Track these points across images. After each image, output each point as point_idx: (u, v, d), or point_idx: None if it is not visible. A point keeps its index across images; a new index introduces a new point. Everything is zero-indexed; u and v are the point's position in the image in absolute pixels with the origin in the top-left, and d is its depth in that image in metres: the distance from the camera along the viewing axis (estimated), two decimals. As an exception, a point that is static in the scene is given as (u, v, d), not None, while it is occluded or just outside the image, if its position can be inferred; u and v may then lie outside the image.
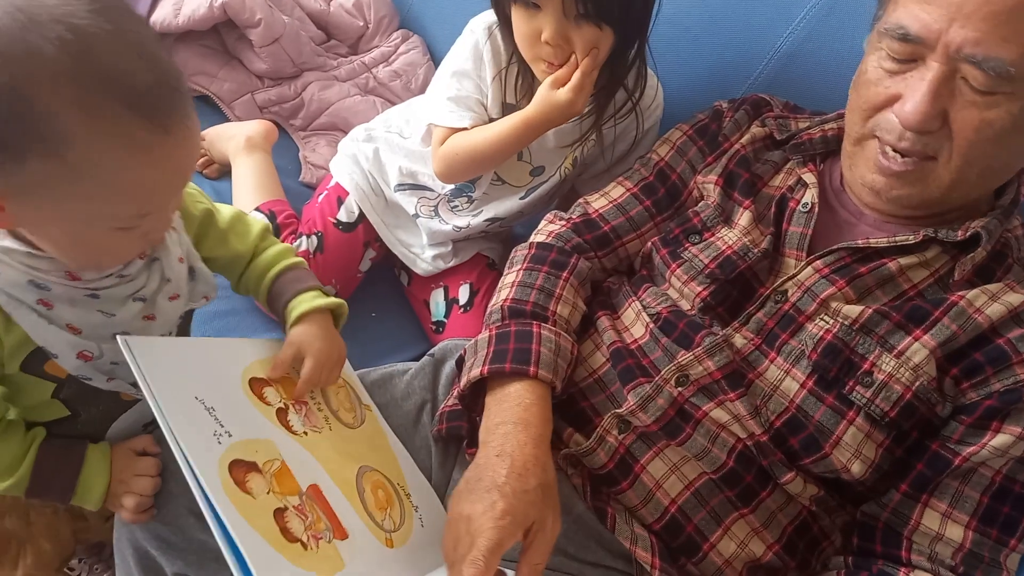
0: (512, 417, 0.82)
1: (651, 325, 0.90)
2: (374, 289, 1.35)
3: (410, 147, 1.24)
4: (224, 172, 1.46)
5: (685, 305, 0.91)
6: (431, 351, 1.06)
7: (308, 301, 0.89)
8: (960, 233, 0.84)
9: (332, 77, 1.66)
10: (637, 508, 0.84)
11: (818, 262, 0.87)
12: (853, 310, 0.83)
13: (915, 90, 0.78)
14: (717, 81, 1.24)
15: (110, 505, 0.82)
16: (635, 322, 0.93)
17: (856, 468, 0.81)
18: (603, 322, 0.94)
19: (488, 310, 0.96)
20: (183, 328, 0.88)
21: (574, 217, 1.04)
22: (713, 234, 0.94)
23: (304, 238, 1.27)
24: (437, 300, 1.31)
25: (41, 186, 0.62)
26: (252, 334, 1.16)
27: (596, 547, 0.84)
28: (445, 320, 1.29)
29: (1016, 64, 0.74)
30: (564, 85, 1.01)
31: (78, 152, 0.60)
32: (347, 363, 0.94)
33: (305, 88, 1.62)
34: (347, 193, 1.29)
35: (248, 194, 1.35)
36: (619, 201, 1.04)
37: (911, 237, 0.85)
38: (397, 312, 1.36)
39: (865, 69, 0.85)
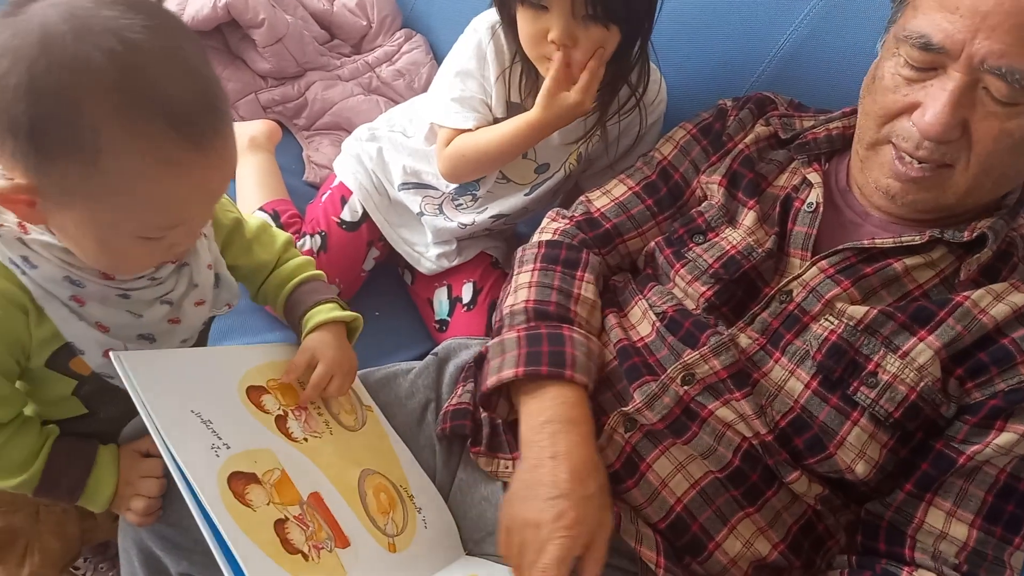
0: (559, 415, 0.83)
1: (657, 324, 0.90)
2: (377, 288, 1.35)
3: (414, 146, 1.24)
4: (228, 172, 1.46)
5: (690, 304, 0.91)
6: (435, 350, 1.06)
7: (326, 312, 0.90)
8: (967, 234, 0.84)
9: (335, 76, 1.66)
10: (643, 507, 0.84)
11: (823, 262, 0.87)
12: (858, 311, 0.83)
13: (936, 100, 0.77)
14: (721, 79, 1.24)
15: (116, 507, 0.82)
16: (641, 320, 0.93)
17: (860, 468, 0.80)
18: (610, 320, 0.94)
19: (506, 310, 0.95)
20: (203, 336, 0.89)
21: (576, 215, 1.04)
22: (717, 234, 0.94)
23: (308, 237, 1.27)
24: (440, 299, 1.31)
25: (71, 189, 0.63)
26: (254, 334, 1.16)
27: None
28: (448, 319, 1.29)
29: None
30: (566, 85, 1.01)
31: (112, 161, 0.61)
32: None
33: (308, 88, 1.62)
34: (351, 192, 1.29)
35: (252, 194, 1.36)
36: (620, 199, 1.04)
37: (917, 237, 0.85)
38: (400, 311, 1.36)
39: (882, 75, 0.84)
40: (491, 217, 1.24)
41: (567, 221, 1.04)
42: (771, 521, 0.83)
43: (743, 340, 0.86)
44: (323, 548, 0.73)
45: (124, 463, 0.81)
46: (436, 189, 1.24)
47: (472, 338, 1.11)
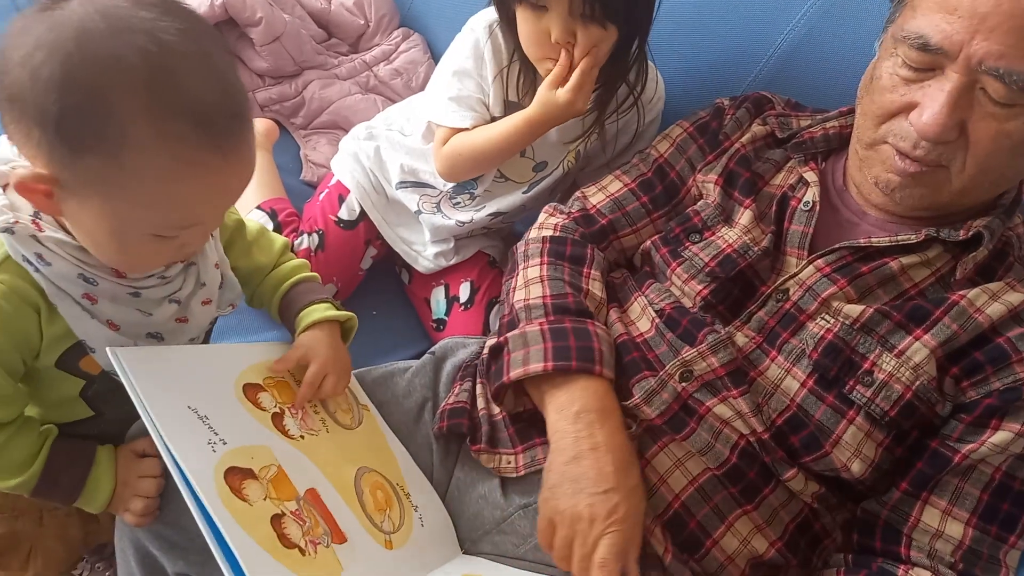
0: (591, 405, 0.83)
1: (656, 320, 0.91)
2: (375, 287, 1.35)
3: (411, 145, 1.24)
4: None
5: (687, 303, 0.92)
6: (432, 349, 1.06)
7: (320, 311, 0.91)
8: (962, 232, 0.84)
9: (333, 75, 1.66)
10: None
11: (819, 261, 0.87)
12: (854, 309, 0.83)
13: (933, 100, 0.78)
14: (718, 78, 1.24)
15: (113, 508, 0.82)
16: (641, 316, 0.93)
17: (856, 467, 0.81)
18: (611, 315, 0.95)
19: (519, 304, 0.95)
20: (207, 336, 0.90)
21: (573, 211, 1.05)
22: (713, 233, 0.94)
23: (305, 236, 1.27)
24: (438, 298, 1.31)
25: (92, 181, 0.64)
26: (250, 331, 1.16)
27: None
28: (446, 318, 1.30)
29: None
30: (563, 84, 1.01)
31: (135, 157, 0.62)
32: None
33: (306, 87, 1.62)
34: (348, 191, 1.29)
35: (249, 192, 1.35)
36: (616, 195, 1.04)
37: (913, 236, 0.85)
38: (398, 310, 1.36)
39: (880, 75, 0.84)
40: (489, 215, 1.24)
41: (565, 216, 1.04)
42: (768, 519, 0.84)
43: (740, 339, 0.86)
44: (320, 543, 0.73)
45: (121, 463, 0.81)
46: (434, 188, 1.24)
47: (469, 337, 1.11)
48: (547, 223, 1.05)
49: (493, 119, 1.11)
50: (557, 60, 1.02)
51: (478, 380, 0.97)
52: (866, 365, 0.81)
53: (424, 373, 1.01)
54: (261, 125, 1.45)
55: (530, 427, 0.91)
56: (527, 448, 0.89)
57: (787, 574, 0.86)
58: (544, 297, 0.93)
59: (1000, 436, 0.78)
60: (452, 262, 1.29)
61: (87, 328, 0.74)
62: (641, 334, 0.91)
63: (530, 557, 0.86)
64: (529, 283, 0.96)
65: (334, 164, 1.35)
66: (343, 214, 1.28)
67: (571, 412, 0.83)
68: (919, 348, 0.80)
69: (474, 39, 1.11)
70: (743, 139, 1.00)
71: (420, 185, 1.25)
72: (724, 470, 0.83)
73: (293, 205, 1.36)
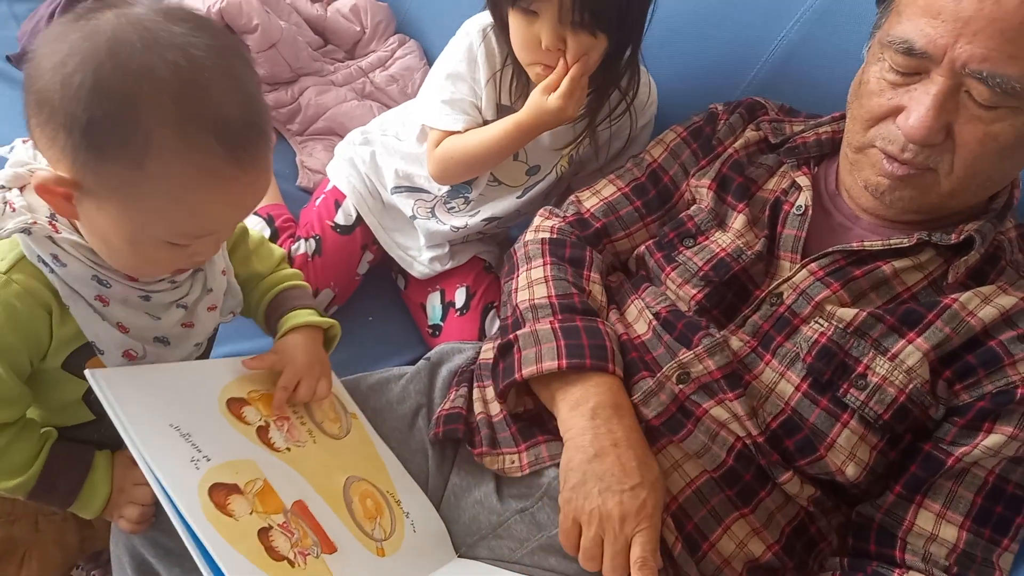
0: (606, 401, 0.84)
1: (654, 322, 0.91)
2: (371, 292, 1.35)
3: (406, 149, 1.24)
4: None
5: (683, 307, 0.92)
6: (427, 355, 1.06)
7: (302, 316, 0.91)
8: (954, 236, 0.85)
9: (329, 82, 1.66)
10: None
11: (813, 265, 0.88)
12: (847, 313, 0.83)
13: (919, 103, 0.78)
14: (712, 83, 1.25)
15: (108, 514, 0.82)
16: (638, 319, 0.94)
17: (850, 470, 0.81)
18: (610, 316, 0.95)
19: (524, 304, 0.95)
20: (210, 342, 0.91)
21: (568, 215, 1.05)
22: (707, 237, 0.94)
23: (302, 241, 1.27)
24: (433, 303, 1.31)
25: (114, 186, 0.66)
26: (249, 339, 1.16)
27: None
28: (441, 323, 1.30)
29: (1022, 80, 0.74)
30: (555, 90, 1.02)
31: (158, 165, 0.64)
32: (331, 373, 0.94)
33: (302, 93, 1.62)
34: (344, 196, 1.29)
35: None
36: (610, 200, 1.05)
37: (905, 240, 0.86)
38: (394, 316, 1.36)
39: (867, 79, 0.85)
40: (483, 220, 1.24)
41: (560, 220, 1.05)
42: (765, 522, 0.84)
43: (734, 342, 0.87)
44: (309, 554, 0.73)
45: (118, 470, 0.81)
46: (428, 192, 1.25)
47: (465, 343, 1.11)
48: (543, 226, 1.05)
49: (486, 122, 1.12)
50: (548, 65, 1.03)
51: (475, 385, 0.97)
52: (860, 368, 0.81)
53: (419, 379, 1.01)
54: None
55: (531, 426, 0.91)
56: (530, 446, 0.89)
57: (783, 577, 0.86)
58: (550, 297, 0.94)
59: (993, 439, 0.78)
60: (447, 267, 1.29)
61: (97, 330, 0.75)
62: (639, 336, 0.92)
63: (527, 561, 0.86)
64: (533, 283, 0.97)
65: (330, 170, 1.35)
66: (339, 219, 1.29)
67: (587, 409, 0.83)
68: (912, 351, 0.80)
69: (468, 43, 1.11)
70: (736, 144, 1.01)
71: (415, 190, 1.26)
72: (721, 472, 0.83)
73: (289, 211, 1.36)
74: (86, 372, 0.72)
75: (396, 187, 1.27)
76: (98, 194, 0.67)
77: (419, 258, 1.30)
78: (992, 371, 0.80)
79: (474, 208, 1.24)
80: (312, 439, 0.86)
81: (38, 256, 0.71)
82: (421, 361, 1.05)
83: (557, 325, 0.89)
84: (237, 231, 0.91)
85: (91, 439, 0.82)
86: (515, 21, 1.02)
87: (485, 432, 0.91)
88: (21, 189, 0.72)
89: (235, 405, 0.81)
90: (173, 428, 0.73)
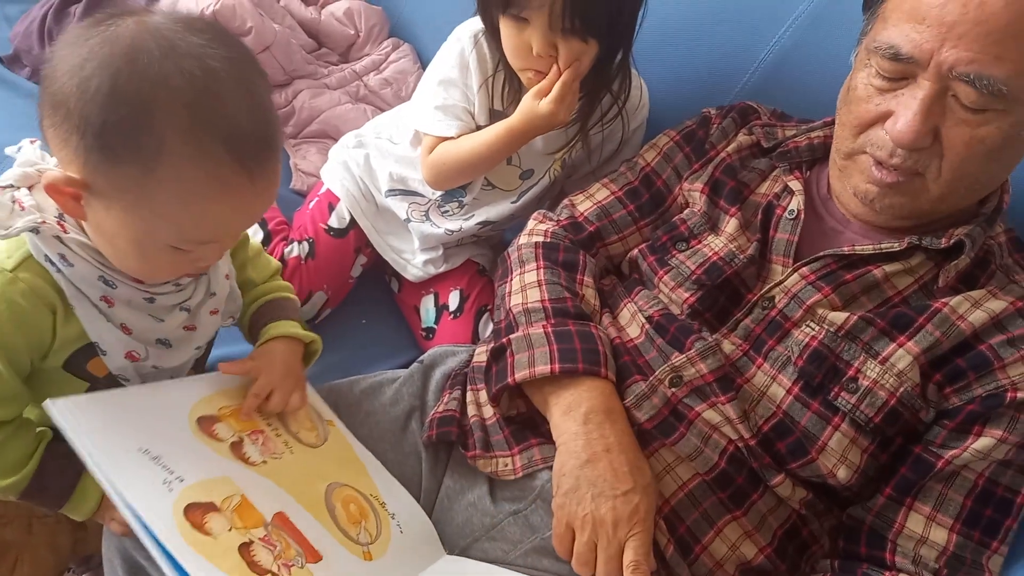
0: (598, 406, 0.84)
1: (646, 326, 0.91)
2: (365, 296, 1.35)
3: (400, 153, 1.25)
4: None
5: (675, 310, 0.92)
6: (420, 358, 1.06)
7: (283, 327, 0.91)
8: (944, 240, 0.85)
9: (323, 85, 1.66)
10: None
11: (804, 269, 0.88)
12: (838, 316, 0.84)
13: (907, 108, 0.79)
14: (705, 89, 1.25)
15: (99, 517, 0.82)
16: (631, 322, 0.94)
17: (842, 473, 0.81)
18: (603, 320, 0.95)
19: (517, 308, 0.95)
20: (209, 346, 0.91)
21: (561, 219, 1.05)
22: (700, 241, 0.95)
23: (295, 244, 1.27)
24: (427, 306, 1.31)
25: (123, 190, 0.67)
26: (240, 340, 1.16)
27: None
28: (435, 326, 1.30)
29: (1008, 82, 0.75)
30: (547, 95, 1.02)
31: (168, 170, 0.65)
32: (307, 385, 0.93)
33: (296, 96, 1.62)
34: (338, 199, 1.29)
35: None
36: (603, 203, 1.05)
37: (896, 244, 0.86)
38: (387, 319, 1.36)
39: (855, 85, 0.85)
40: (478, 224, 1.24)
41: (554, 223, 1.05)
42: (757, 525, 0.84)
43: (727, 346, 0.87)
44: (294, 565, 0.73)
45: None
46: (422, 196, 1.25)
47: (458, 346, 1.11)
48: (537, 229, 1.05)
49: (479, 128, 1.12)
50: (539, 70, 1.03)
51: (468, 388, 0.97)
52: (851, 372, 0.82)
53: (412, 382, 1.01)
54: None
55: (524, 429, 0.91)
56: (523, 449, 0.89)
57: (775, 580, 0.86)
58: (543, 301, 0.94)
59: (982, 442, 0.79)
60: (441, 270, 1.29)
61: (101, 330, 0.76)
62: (632, 339, 0.92)
63: (520, 563, 0.86)
64: (526, 287, 0.97)
65: (324, 173, 1.35)
66: (333, 222, 1.29)
67: (579, 413, 0.84)
68: (903, 355, 0.81)
69: (460, 48, 1.12)
70: (729, 148, 1.01)
71: (409, 193, 1.26)
72: (713, 475, 0.83)
73: (283, 214, 1.36)
74: (45, 404, 0.71)
75: (390, 190, 1.27)
76: (107, 196, 0.68)
77: (413, 261, 1.30)
78: (982, 375, 0.80)
79: (468, 212, 1.24)
80: (289, 450, 0.85)
81: (45, 255, 0.72)
82: (414, 364, 1.05)
83: (550, 329, 0.90)
84: (240, 238, 0.92)
85: None
86: (506, 27, 1.03)
87: (478, 435, 0.92)
88: (30, 188, 0.73)
89: (206, 423, 0.81)
90: (142, 452, 0.72)
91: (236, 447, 0.81)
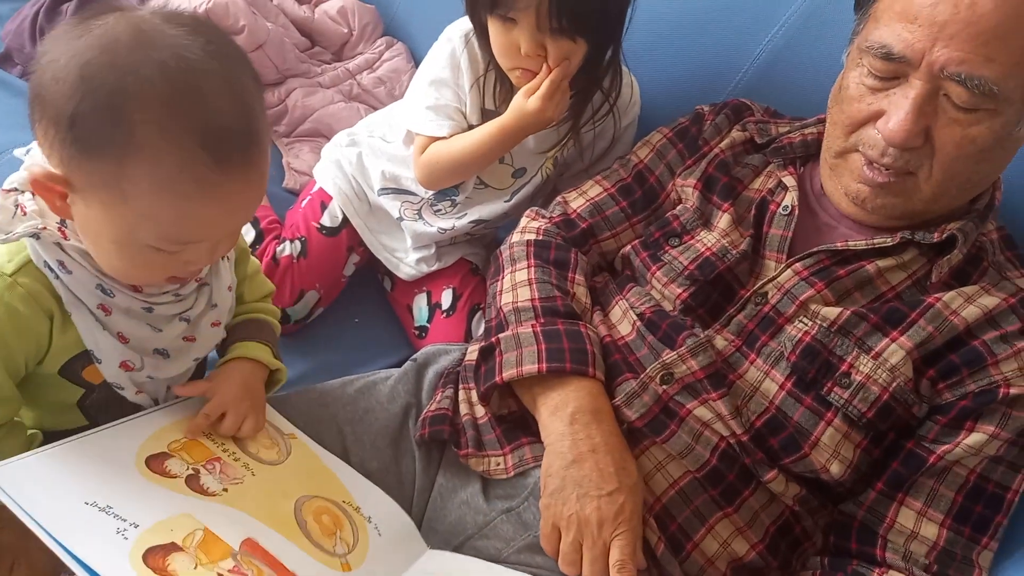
0: (585, 406, 0.84)
1: (638, 323, 0.91)
2: (357, 294, 1.34)
3: (392, 151, 1.24)
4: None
5: (668, 306, 0.92)
6: (414, 356, 1.06)
7: (249, 348, 0.89)
8: (936, 235, 0.86)
9: (316, 84, 1.66)
10: None
11: (798, 264, 0.88)
12: (831, 312, 0.84)
13: (899, 107, 0.79)
14: (697, 88, 1.25)
15: None
16: (622, 320, 0.94)
17: (835, 468, 0.81)
18: (594, 317, 0.95)
19: (507, 307, 0.95)
20: (203, 362, 0.89)
21: (554, 216, 1.05)
22: (692, 237, 0.95)
23: (288, 243, 1.27)
24: (420, 305, 1.31)
25: (98, 186, 0.66)
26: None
27: None
28: (428, 325, 1.29)
29: (999, 82, 0.75)
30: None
31: (139, 165, 0.63)
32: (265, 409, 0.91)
33: (289, 95, 1.62)
34: (331, 198, 1.29)
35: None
36: (596, 200, 1.05)
37: (889, 240, 0.87)
38: (380, 318, 1.35)
39: (847, 85, 0.86)
40: (471, 222, 1.24)
41: (546, 221, 1.05)
42: (749, 521, 0.84)
43: (719, 342, 0.87)
44: None
45: None
46: (415, 195, 1.25)
47: (451, 344, 1.11)
48: (529, 227, 1.05)
49: (471, 127, 1.12)
50: (528, 69, 1.03)
51: (460, 386, 0.97)
52: (843, 367, 0.82)
53: (406, 380, 1.01)
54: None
55: (516, 428, 0.91)
56: (515, 448, 0.89)
57: (767, 577, 0.86)
58: (533, 300, 0.94)
59: (974, 438, 0.79)
60: (434, 268, 1.29)
61: (97, 339, 0.75)
62: (622, 337, 0.92)
63: (513, 560, 0.86)
64: (517, 286, 0.97)
65: (316, 171, 1.35)
66: (325, 221, 1.28)
67: (566, 413, 0.84)
68: (895, 350, 0.81)
69: (451, 48, 1.12)
70: (722, 144, 1.02)
71: (402, 192, 1.26)
72: (704, 472, 0.83)
73: (275, 212, 1.35)
74: None
75: (383, 189, 1.27)
76: (86, 192, 0.66)
77: (405, 260, 1.30)
78: (975, 370, 0.81)
79: (461, 210, 1.24)
80: (250, 472, 0.82)
81: (44, 261, 0.71)
82: (408, 362, 1.05)
83: (539, 329, 0.90)
84: (238, 251, 0.90)
85: None
86: (494, 28, 1.03)
87: (471, 434, 0.91)
88: (34, 193, 0.72)
89: (156, 462, 0.77)
90: (91, 506, 0.69)
91: (192, 480, 0.77)
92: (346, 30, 1.75)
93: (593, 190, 1.06)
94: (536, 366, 0.86)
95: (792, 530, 0.87)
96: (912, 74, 0.79)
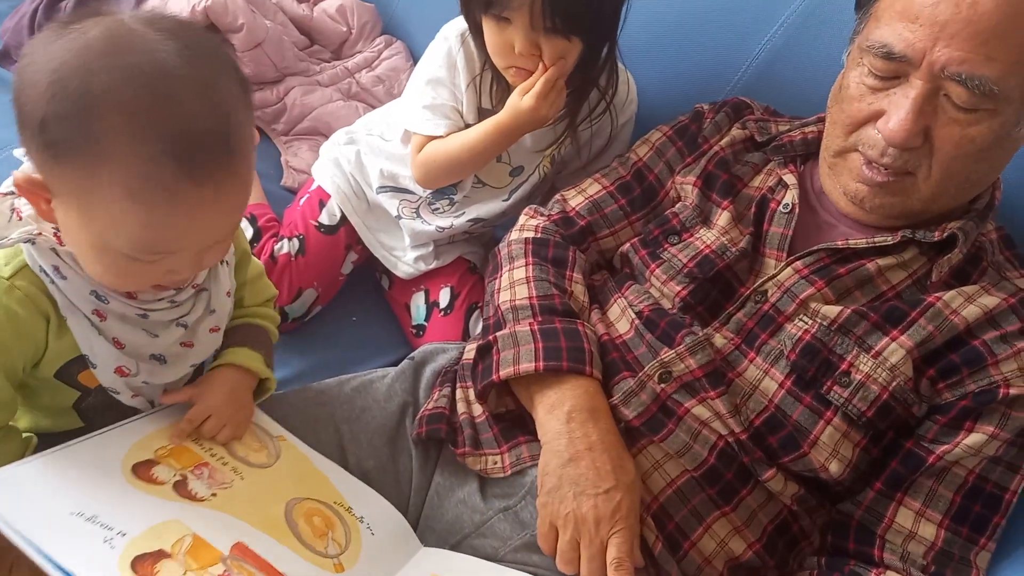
0: (581, 404, 0.84)
1: (636, 321, 0.91)
2: (355, 293, 1.34)
3: (391, 150, 1.24)
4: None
5: (666, 304, 0.92)
6: (411, 354, 1.06)
7: (241, 355, 0.87)
8: (937, 234, 0.86)
9: (315, 82, 1.66)
10: None
11: (798, 263, 0.88)
12: (832, 310, 0.84)
13: (899, 107, 0.79)
14: (697, 88, 1.25)
15: None
16: (620, 318, 0.94)
17: (834, 467, 0.81)
18: (592, 316, 0.95)
19: (505, 305, 0.95)
20: (200, 367, 0.88)
21: (553, 214, 1.05)
22: (692, 234, 0.95)
23: (286, 241, 1.26)
24: (417, 303, 1.31)
25: (70, 191, 0.65)
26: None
27: None
28: (425, 323, 1.29)
29: (1000, 82, 0.75)
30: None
31: (108, 172, 0.62)
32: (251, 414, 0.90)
33: (287, 93, 1.61)
34: (329, 196, 1.29)
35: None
36: (595, 198, 1.05)
37: (889, 238, 0.87)
38: (378, 316, 1.35)
39: (847, 84, 0.86)
40: (469, 221, 1.24)
41: (545, 219, 1.05)
42: (746, 520, 0.84)
43: (718, 340, 0.87)
44: None
45: None
46: (413, 193, 1.25)
47: (449, 343, 1.11)
48: (528, 225, 1.05)
49: (467, 127, 1.12)
50: (523, 68, 1.03)
51: (458, 385, 0.97)
52: (843, 366, 0.82)
53: (404, 378, 1.01)
54: (242, 130, 1.44)
55: (513, 426, 0.91)
56: (512, 447, 0.89)
57: (765, 576, 0.86)
58: (531, 298, 0.94)
59: (974, 438, 0.79)
60: (432, 266, 1.29)
61: (92, 344, 0.74)
62: (620, 335, 0.92)
63: (510, 559, 0.86)
64: (515, 284, 0.97)
65: (315, 169, 1.34)
66: (324, 219, 1.28)
67: (562, 412, 0.84)
68: (896, 349, 0.81)
69: (447, 48, 1.12)
70: (722, 142, 1.02)
71: (400, 190, 1.26)
72: (702, 471, 0.83)
73: (273, 210, 1.35)
74: None
75: (381, 187, 1.27)
76: (62, 197, 0.65)
77: (403, 258, 1.30)
78: (975, 370, 0.81)
79: (459, 209, 1.24)
80: (238, 476, 0.81)
81: (40, 266, 0.71)
82: (405, 361, 1.04)
83: (536, 327, 0.90)
84: (239, 254, 0.89)
85: None
86: (488, 27, 1.03)
87: (468, 432, 0.91)
88: None
89: (142, 469, 0.76)
90: (76, 515, 0.68)
91: (180, 486, 0.76)
92: (345, 28, 1.75)
93: (592, 188, 1.06)
94: (533, 364, 0.86)
95: (790, 529, 0.87)
96: (913, 74, 0.79)
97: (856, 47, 0.86)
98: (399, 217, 1.27)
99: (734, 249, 0.91)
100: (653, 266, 0.95)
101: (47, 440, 0.80)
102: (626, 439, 0.85)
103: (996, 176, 0.90)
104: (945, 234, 0.85)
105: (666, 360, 0.85)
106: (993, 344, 0.81)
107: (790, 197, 0.93)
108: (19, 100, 0.63)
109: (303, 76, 1.66)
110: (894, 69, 0.80)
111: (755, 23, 1.21)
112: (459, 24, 1.12)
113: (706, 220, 0.96)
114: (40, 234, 0.70)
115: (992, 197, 0.90)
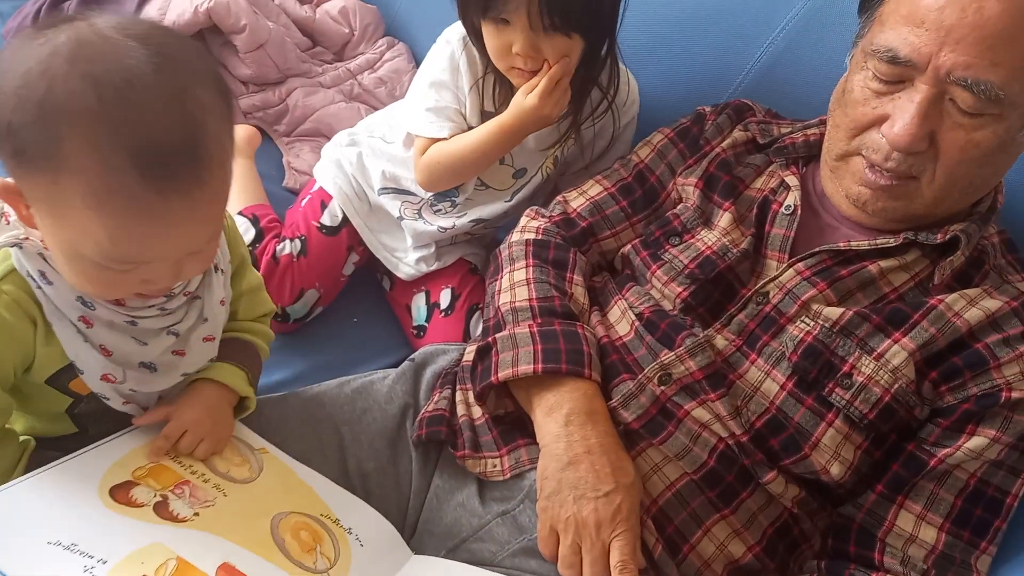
0: (580, 407, 0.84)
1: (636, 323, 0.91)
2: (357, 294, 1.34)
3: (393, 152, 1.24)
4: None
5: (667, 305, 0.92)
6: (412, 356, 1.06)
7: (224, 372, 0.85)
8: (939, 236, 0.86)
9: (317, 83, 1.66)
10: None
11: (800, 264, 0.88)
12: (834, 312, 0.84)
13: (904, 111, 0.79)
14: (699, 91, 1.25)
15: None
16: (620, 320, 0.94)
17: (835, 470, 0.81)
18: (592, 318, 0.95)
19: (505, 306, 0.95)
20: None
21: (554, 215, 1.05)
22: (693, 236, 0.95)
23: (287, 242, 1.27)
24: (419, 305, 1.31)
25: (40, 199, 0.64)
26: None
27: None
28: (426, 324, 1.29)
29: (1005, 86, 0.75)
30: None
31: (72, 181, 0.60)
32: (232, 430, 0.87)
33: (289, 94, 1.62)
34: (331, 197, 1.29)
35: (231, 198, 1.33)
36: (596, 199, 1.05)
37: (891, 240, 0.87)
38: (379, 317, 1.35)
39: (851, 88, 0.85)
40: (471, 221, 1.24)
41: (546, 220, 1.05)
42: (746, 523, 0.84)
43: (719, 341, 0.87)
44: None
45: None
46: (415, 195, 1.25)
47: (449, 344, 1.11)
48: (529, 226, 1.05)
49: (471, 129, 1.12)
50: (525, 69, 1.03)
51: (458, 387, 0.97)
52: (845, 368, 0.82)
53: (404, 380, 1.01)
54: (243, 131, 1.44)
55: (513, 429, 0.91)
56: (511, 450, 0.89)
57: (765, 579, 0.86)
58: (531, 300, 0.94)
59: (976, 441, 0.79)
60: (434, 267, 1.29)
61: (79, 351, 0.73)
62: (620, 337, 0.92)
63: (508, 564, 0.85)
64: (515, 286, 0.97)
65: (316, 171, 1.35)
66: (325, 220, 1.28)
67: (561, 415, 0.83)
68: (898, 351, 0.81)
69: (449, 51, 1.12)
70: (724, 144, 1.02)
71: (402, 192, 1.26)
72: (701, 474, 0.83)
73: (275, 211, 1.35)
74: None
75: (383, 189, 1.27)
76: (35, 204, 0.64)
77: (405, 259, 1.30)
78: (977, 373, 0.80)
79: (461, 210, 1.24)
80: (221, 493, 0.79)
81: (27, 271, 0.70)
82: (405, 362, 1.04)
83: (535, 329, 0.90)
84: (236, 261, 0.87)
85: (69, 449, 0.79)
86: (488, 30, 1.03)
87: (467, 435, 0.91)
88: None
89: (120, 492, 0.74)
90: (54, 545, 0.66)
91: (161, 507, 0.74)
92: (347, 30, 1.75)
93: (593, 189, 1.06)
94: (532, 366, 0.86)
95: (790, 532, 0.87)
96: (918, 78, 0.78)
97: (860, 51, 0.86)
98: (401, 218, 1.27)
99: (735, 250, 0.91)
100: (654, 267, 0.95)
101: (44, 443, 0.81)
102: (625, 442, 0.84)
103: (999, 180, 0.89)
104: (947, 236, 0.85)
105: (666, 362, 0.85)
106: (995, 347, 0.81)
107: (792, 199, 0.93)
108: None
109: (305, 77, 1.66)
110: (899, 73, 0.80)
111: (757, 26, 1.20)
112: (461, 27, 1.11)
113: (707, 221, 0.96)
114: (27, 239, 0.69)
115: (994, 201, 0.90)
